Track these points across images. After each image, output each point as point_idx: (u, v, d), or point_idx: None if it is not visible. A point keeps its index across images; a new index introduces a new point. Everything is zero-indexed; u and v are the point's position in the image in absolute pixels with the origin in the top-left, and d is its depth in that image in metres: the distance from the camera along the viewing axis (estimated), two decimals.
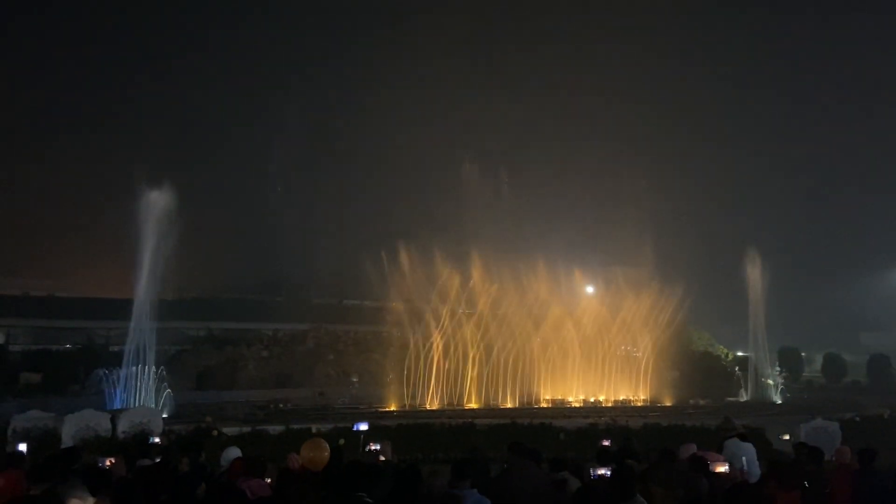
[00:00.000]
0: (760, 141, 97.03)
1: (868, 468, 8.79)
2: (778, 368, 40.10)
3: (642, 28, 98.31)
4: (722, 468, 7.10)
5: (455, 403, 31.72)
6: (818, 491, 7.90)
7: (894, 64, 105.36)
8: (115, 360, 27.69)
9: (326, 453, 7.70)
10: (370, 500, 5.77)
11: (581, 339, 35.61)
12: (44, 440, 15.60)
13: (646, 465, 8.37)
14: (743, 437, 8.97)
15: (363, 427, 9.94)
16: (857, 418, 21.57)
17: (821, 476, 8.30)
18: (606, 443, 11.86)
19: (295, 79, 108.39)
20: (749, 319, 38.56)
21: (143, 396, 25.23)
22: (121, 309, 29.19)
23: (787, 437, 13.90)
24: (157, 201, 28.10)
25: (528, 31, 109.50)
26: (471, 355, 33.32)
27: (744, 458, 8.37)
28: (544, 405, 32.65)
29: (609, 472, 7.15)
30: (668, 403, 33.41)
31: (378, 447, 8.67)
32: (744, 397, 36.89)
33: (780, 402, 35.36)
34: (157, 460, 7.93)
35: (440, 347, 32.99)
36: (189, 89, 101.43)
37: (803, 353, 50.66)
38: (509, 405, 31.89)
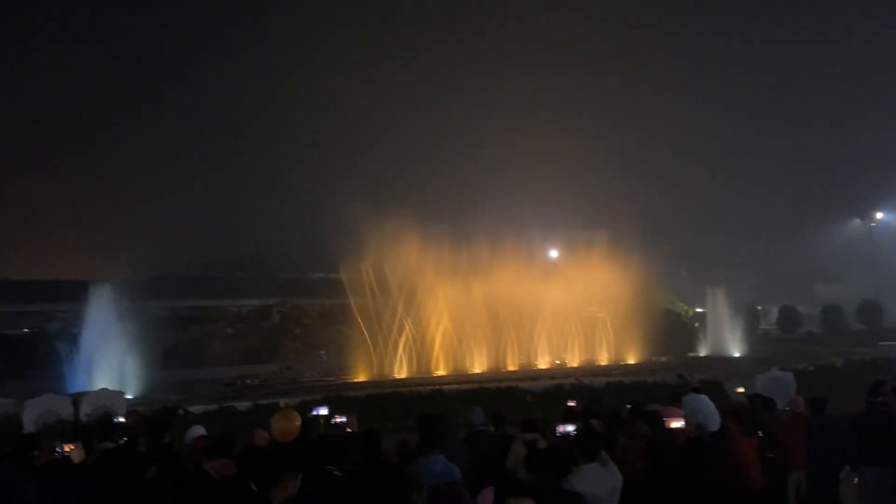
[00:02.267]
0: (716, 96, 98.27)
1: (820, 415, 9.14)
2: (736, 323, 41.22)
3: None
4: (677, 423, 7.27)
5: (423, 371, 32.01)
6: (772, 438, 8.21)
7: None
8: (75, 343, 27.20)
9: (298, 423, 7.68)
10: (339, 473, 5.80)
11: (546, 302, 36.07)
12: (5, 426, 15.32)
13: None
14: (697, 391, 9.23)
15: (323, 412, 9.85)
16: (811, 368, 22.32)
17: (774, 424, 8.61)
18: (572, 403, 12.09)
19: (259, 54, 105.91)
20: (709, 276, 39.48)
21: (105, 379, 24.82)
22: (79, 291, 28.59)
23: (741, 389, 14.33)
24: (111, 179, 27.41)
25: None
26: (435, 323, 33.56)
27: (704, 414, 8.59)
28: (512, 369, 33.09)
29: (574, 430, 7.29)
30: (631, 362, 34.21)
31: (344, 419, 8.69)
32: (703, 352, 37.95)
33: (738, 355, 36.45)
34: (122, 441, 7.84)
35: (407, 317, 33.13)
36: (149, 63, 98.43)
37: (759, 307, 52.13)
38: (477, 371, 32.27)
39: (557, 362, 34.86)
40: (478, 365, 33.42)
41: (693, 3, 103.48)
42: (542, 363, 34.67)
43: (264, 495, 4.24)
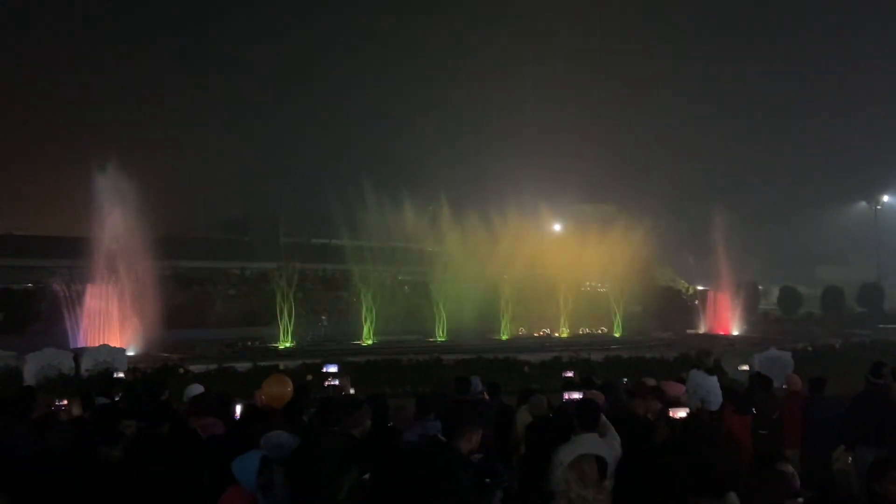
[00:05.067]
0: (725, 79, 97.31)
1: (817, 395, 9.15)
2: (736, 301, 41.15)
3: None
4: (682, 413, 7.18)
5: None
6: (767, 416, 8.23)
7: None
8: (77, 300, 27.27)
9: (289, 388, 7.69)
10: (352, 433, 5.80)
11: (548, 275, 35.98)
12: (6, 379, 15.44)
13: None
14: (710, 372, 9.22)
15: (333, 369, 9.88)
16: (810, 348, 22.35)
17: (769, 402, 8.61)
18: (570, 374, 12.11)
19: (274, 16, 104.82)
20: (712, 255, 39.34)
21: (106, 335, 24.95)
22: (82, 248, 28.55)
23: (745, 367, 14.37)
24: (118, 137, 27.24)
25: None
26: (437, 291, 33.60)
27: (706, 391, 8.56)
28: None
29: (580, 396, 7.28)
30: (630, 336, 34.25)
31: (336, 382, 8.68)
32: (702, 330, 38.01)
33: (737, 333, 36.48)
34: (117, 398, 7.85)
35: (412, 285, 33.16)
36: (155, 28, 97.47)
37: (760, 287, 52.05)
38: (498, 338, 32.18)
39: (555, 334, 34.89)
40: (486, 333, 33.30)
41: None
42: (539, 335, 34.66)
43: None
